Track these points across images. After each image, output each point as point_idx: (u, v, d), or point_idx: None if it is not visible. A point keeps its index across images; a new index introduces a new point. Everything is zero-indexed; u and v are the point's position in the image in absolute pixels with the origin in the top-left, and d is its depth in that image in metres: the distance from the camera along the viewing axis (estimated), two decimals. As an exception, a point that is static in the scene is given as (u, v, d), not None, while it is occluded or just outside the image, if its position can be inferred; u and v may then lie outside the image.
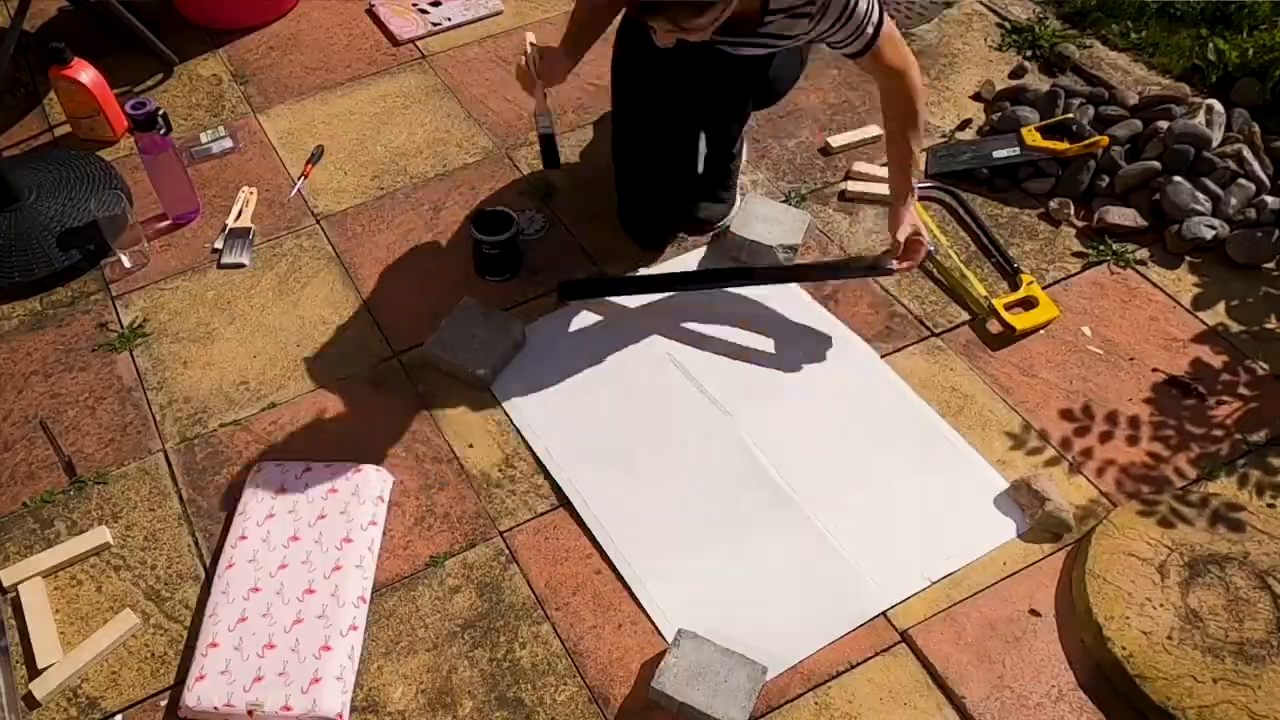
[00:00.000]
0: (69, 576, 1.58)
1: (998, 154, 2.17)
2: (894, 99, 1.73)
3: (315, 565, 1.53)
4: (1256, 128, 2.18)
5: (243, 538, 1.56)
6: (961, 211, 2.11)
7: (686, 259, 2.02)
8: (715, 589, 1.55)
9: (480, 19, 2.65)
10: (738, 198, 2.09)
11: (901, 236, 1.78)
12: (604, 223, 2.10)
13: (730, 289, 1.94)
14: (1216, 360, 1.84)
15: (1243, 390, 1.80)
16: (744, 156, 2.14)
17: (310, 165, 2.24)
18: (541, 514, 1.64)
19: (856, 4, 1.58)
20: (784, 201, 2.13)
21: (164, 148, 2.00)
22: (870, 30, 1.62)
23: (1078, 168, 2.13)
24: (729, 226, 2.01)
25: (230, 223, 2.11)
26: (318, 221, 2.13)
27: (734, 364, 1.84)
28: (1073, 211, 2.11)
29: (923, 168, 1.83)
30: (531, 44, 1.79)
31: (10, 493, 1.69)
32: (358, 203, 2.16)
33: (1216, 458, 1.70)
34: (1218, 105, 2.17)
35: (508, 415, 1.77)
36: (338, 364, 1.86)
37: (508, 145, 2.29)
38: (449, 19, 2.64)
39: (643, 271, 1.99)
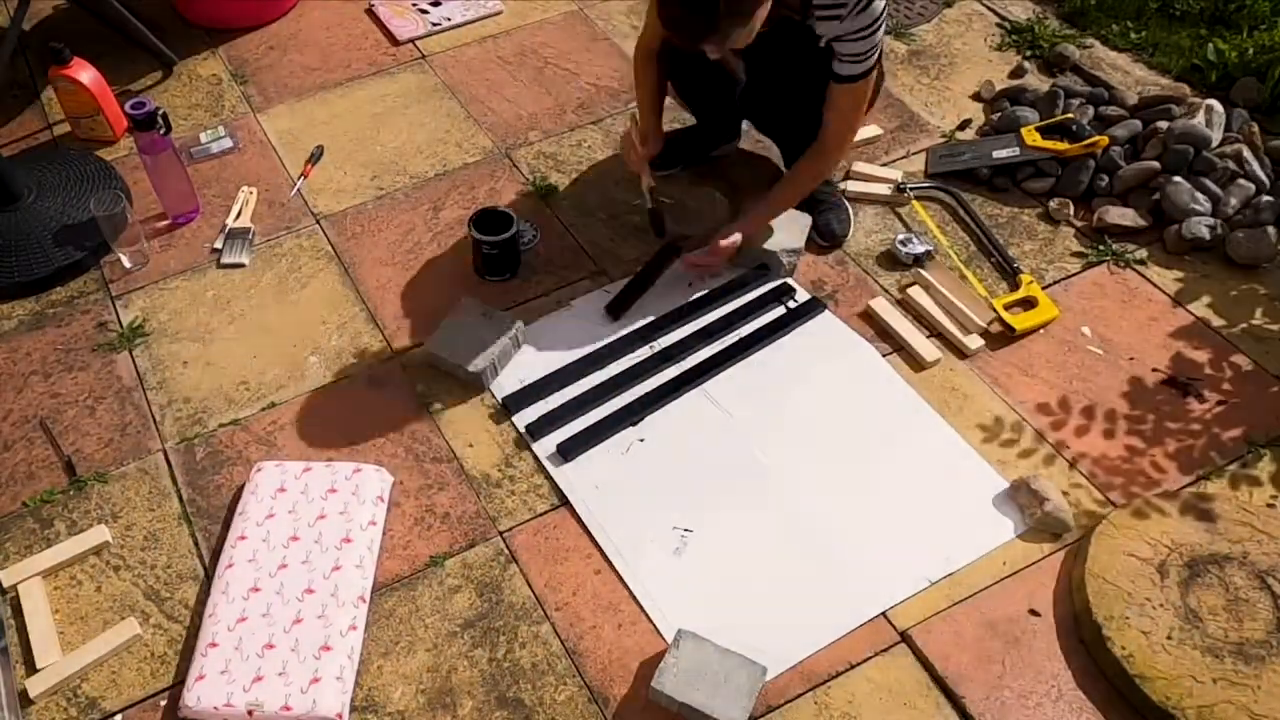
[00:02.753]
0: (69, 576, 1.58)
1: (998, 154, 2.17)
2: (819, 161, 1.84)
3: (315, 565, 1.53)
4: (1256, 128, 2.18)
5: (242, 538, 1.56)
6: (961, 211, 2.11)
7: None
8: (715, 589, 1.55)
9: (480, 19, 2.65)
10: (846, 204, 2.08)
11: (725, 241, 1.85)
12: (603, 222, 2.10)
13: (723, 285, 1.95)
14: (1216, 360, 1.84)
15: (1242, 390, 1.80)
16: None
17: (310, 165, 2.24)
18: (541, 514, 1.64)
19: (879, 27, 1.65)
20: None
21: (164, 148, 2.00)
22: (873, 61, 1.69)
23: (1077, 168, 2.13)
24: None
25: (230, 223, 2.11)
26: (317, 221, 2.13)
27: (734, 363, 1.84)
28: (1072, 211, 2.11)
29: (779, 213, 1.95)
30: (633, 118, 1.90)
31: (10, 493, 1.69)
32: (357, 203, 2.16)
33: (1216, 457, 1.70)
34: (1217, 105, 2.17)
35: (507, 415, 1.77)
36: (338, 364, 1.86)
37: (507, 145, 2.29)
38: (449, 19, 2.64)
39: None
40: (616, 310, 1.91)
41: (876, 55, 1.70)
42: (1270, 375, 1.82)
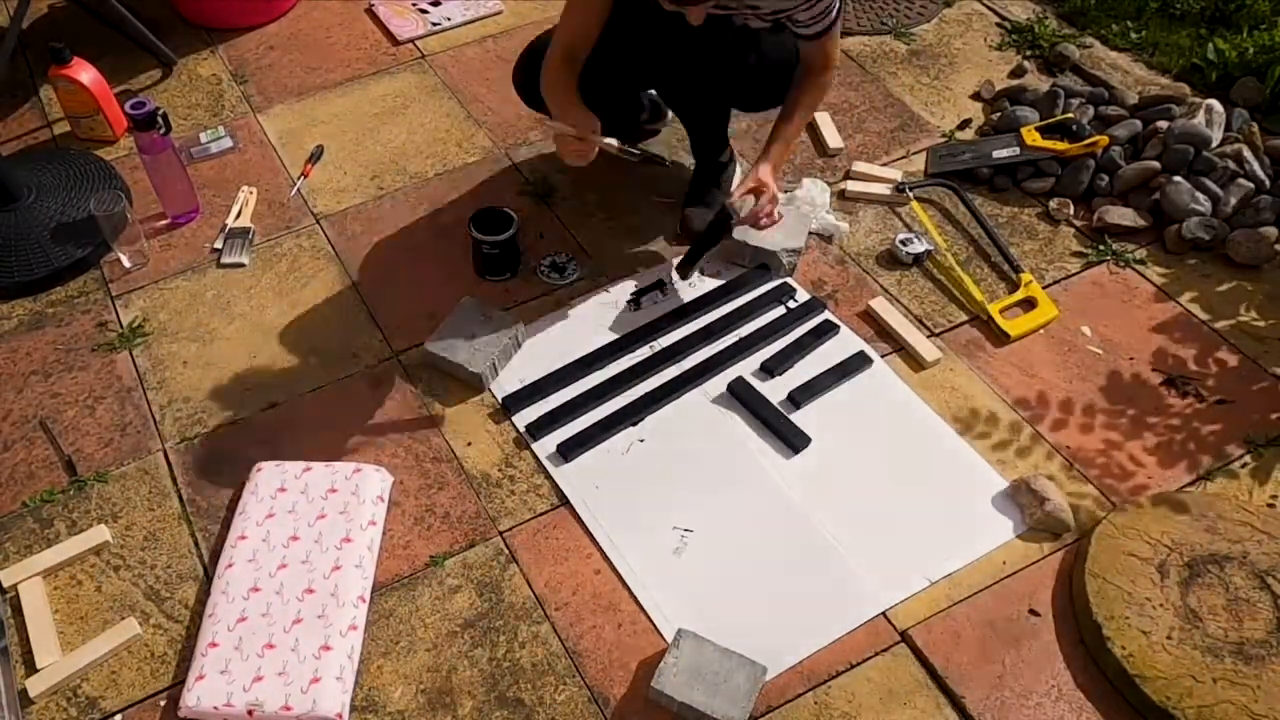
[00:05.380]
0: (69, 576, 1.58)
1: (997, 154, 2.17)
2: (814, 90, 1.87)
3: (315, 565, 1.53)
4: (1256, 127, 2.18)
5: (242, 537, 1.56)
6: (963, 208, 2.11)
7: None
8: (715, 589, 1.55)
9: (480, 19, 2.65)
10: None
11: (760, 179, 1.84)
12: (603, 222, 2.10)
13: (717, 283, 1.95)
14: (1216, 360, 1.84)
15: (1241, 390, 1.80)
16: (736, 175, 2.12)
17: (310, 165, 2.24)
18: (541, 514, 1.64)
19: None
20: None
21: (164, 148, 2.00)
22: (833, 14, 1.74)
23: (1077, 168, 2.13)
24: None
25: (230, 223, 2.11)
26: (317, 221, 2.13)
27: (732, 364, 1.84)
28: (1072, 211, 2.11)
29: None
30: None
31: (10, 493, 1.69)
32: (357, 202, 2.16)
33: (1216, 457, 1.70)
34: (1217, 105, 2.17)
35: (507, 415, 1.77)
36: (338, 364, 1.86)
37: (507, 145, 2.29)
38: (449, 19, 2.64)
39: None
40: (685, 270, 1.91)
41: (837, 9, 1.73)
42: (1269, 375, 1.82)
